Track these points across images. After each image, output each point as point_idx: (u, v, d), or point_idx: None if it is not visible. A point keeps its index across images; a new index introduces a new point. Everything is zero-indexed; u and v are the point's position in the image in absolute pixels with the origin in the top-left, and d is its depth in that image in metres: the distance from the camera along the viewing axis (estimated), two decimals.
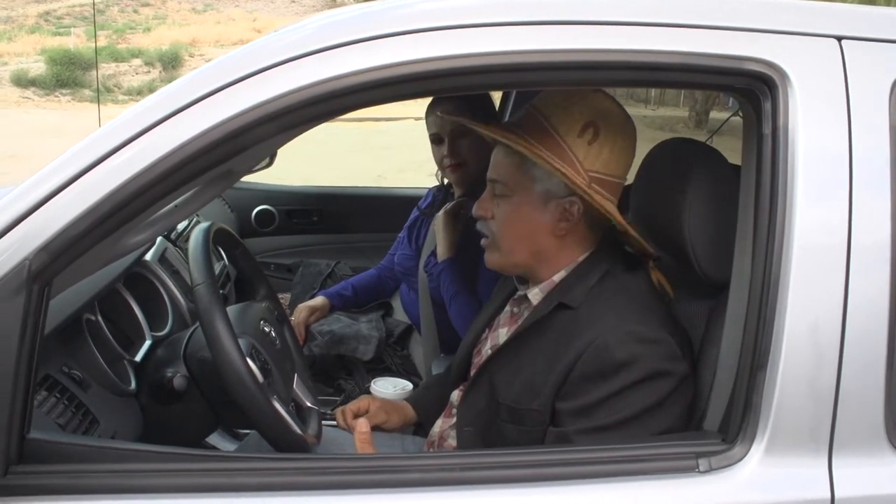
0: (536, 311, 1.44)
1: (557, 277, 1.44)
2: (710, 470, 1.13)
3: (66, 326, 1.46)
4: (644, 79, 1.24)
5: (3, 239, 1.08)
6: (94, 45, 25.26)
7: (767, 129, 1.14)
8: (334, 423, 2.27)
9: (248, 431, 2.06)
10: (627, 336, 1.30)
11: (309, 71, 1.09)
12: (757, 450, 1.13)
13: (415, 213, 2.71)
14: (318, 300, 2.66)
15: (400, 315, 2.78)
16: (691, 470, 1.13)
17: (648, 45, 1.13)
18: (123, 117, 1.12)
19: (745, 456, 1.13)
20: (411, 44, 1.10)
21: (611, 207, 1.39)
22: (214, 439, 2.01)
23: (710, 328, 1.40)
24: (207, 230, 1.58)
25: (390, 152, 11.81)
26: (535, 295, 1.47)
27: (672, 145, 1.60)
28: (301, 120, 1.12)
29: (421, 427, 2.18)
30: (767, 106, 1.14)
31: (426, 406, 1.88)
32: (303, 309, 2.58)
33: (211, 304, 1.37)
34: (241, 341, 1.39)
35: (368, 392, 2.30)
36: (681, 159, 1.46)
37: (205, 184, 1.30)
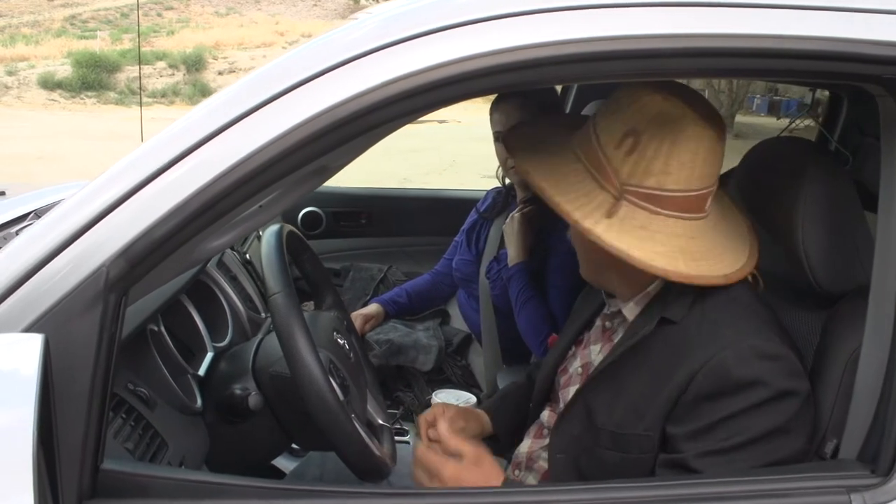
0: (636, 326, 1.31)
1: (652, 289, 1.32)
2: None
3: (130, 339, 1.35)
4: (770, 68, 1.11)
5: (75, 243, 0.96)
6: (118, 48, 25.46)
7: None
8: (403, 439, 2.18)
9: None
10: (748, 352, 1.17)
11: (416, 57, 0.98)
12: None
13: (473, 215, 2.59)
14: (373, 308, 2.55)
15: (457, 323, 2.67)
16: None
17: (778, 29, 1.01)
18: (207, 106, 1.01)
19: None
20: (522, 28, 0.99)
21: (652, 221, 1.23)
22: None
23: (827, 343, 1.28)
24: (279, 233, 1.45)
25: (416, 155, 11.75)
26: (630, 309, 1.35)
27: (779, 144, 1.49)
28: (401, 112, 1.01)
29: (495, 442, 2.07)
30: None
31: (503, 417, 1.74)
32: (357, 317, 2.47)
33: (290, 316, 1.26)
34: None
35: (429, 404, 2.20)
36: (790, 159, 1.34)
37: (296, 181, 1.18)
